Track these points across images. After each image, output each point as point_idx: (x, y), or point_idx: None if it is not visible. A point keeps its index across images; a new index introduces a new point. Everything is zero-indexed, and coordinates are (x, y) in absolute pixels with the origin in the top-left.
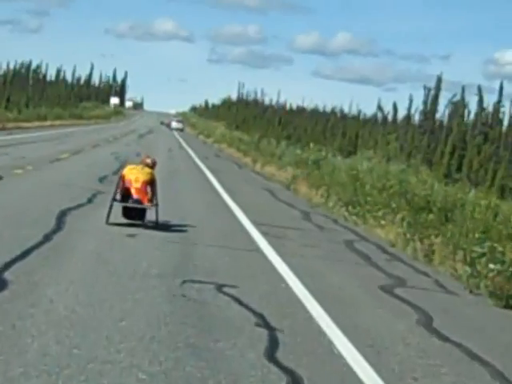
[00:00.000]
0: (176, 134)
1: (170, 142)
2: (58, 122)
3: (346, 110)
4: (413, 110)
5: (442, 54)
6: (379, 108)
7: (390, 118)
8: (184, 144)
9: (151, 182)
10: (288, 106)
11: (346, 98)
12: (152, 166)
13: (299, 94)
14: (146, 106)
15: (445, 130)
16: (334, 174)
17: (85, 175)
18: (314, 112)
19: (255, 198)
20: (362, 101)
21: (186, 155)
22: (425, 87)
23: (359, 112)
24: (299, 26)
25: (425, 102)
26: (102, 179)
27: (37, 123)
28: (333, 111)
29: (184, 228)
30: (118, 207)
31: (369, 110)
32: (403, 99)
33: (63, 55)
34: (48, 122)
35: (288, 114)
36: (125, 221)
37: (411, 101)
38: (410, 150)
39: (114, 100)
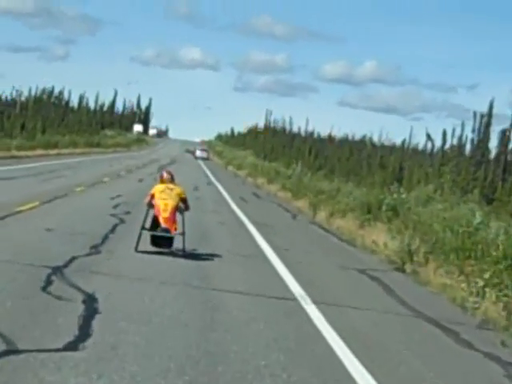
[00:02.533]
0: (202, 164)
1: (196, 176)
2: (67, 151)
3: (376, 139)
4: (453, 140)
5: (468, 83)
6: (428, 137)
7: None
8: (212, 178)
9: (183, 201)
10: (316, 135)
11: (371, 127)
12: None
13: (325, 123)
14: (170, 134)
15: (503, 162)
16: (429, 230)
17: (30, 257)
18: (344, 141)
19: (355, 297)
20: (388, 130)
21: (217, 196)
22: (475, 114)
23: (405, 142)
24: (326, 54)
25: (473, 130)
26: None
27: (40, 151)
28: (362, 140)
29: None
30: None
31: (397, 140)
32: (430, 129)
33: (88, 83)
34: (55, 151)
35: (318, 143)
36: (153, 249)
37: (463, 128)
38: (465, 183)
39: (138, 127)
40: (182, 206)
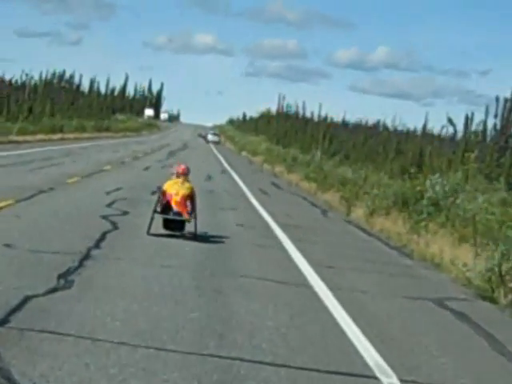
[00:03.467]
0: (214, 149)
1: (209, 162)
2: (72, 136)
3: (389, 125)
4: (471, 127)
5: (481, 69)
6: (450, 122)
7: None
8: (226, 165)
9: (191, 197)
10: (329, 120)
11: (384, 113)
12: (187, 173)
13: (338, 108)
14: (182, 119)
15: None
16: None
17: None
18: (357, 126)
19: (455, 360)
20: (401, 115)
21: (233, 187)
22: (497, 99)
23: (424, 127)
24: (338, 40)
25: (496, 116)
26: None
27: (41, 136)
28: (376, 125)
29: None
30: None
31: (410, 125)
32: (442, 114)
33: (99, 68)
34: (58, 136)
35: (331, 128)
36: (165, 232)
37: (487, 114)
38: (489, 170)
39: (149, 112)
40: (189, 203)
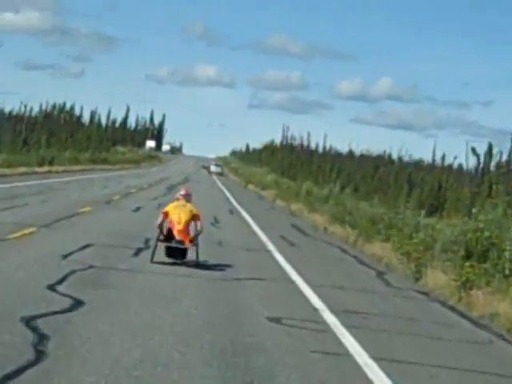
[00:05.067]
0: (219, 182)
1: (214, 199)
2: (62, 169)
3: (395, 156)
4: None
5: (483, 100)
6: (474, 152)
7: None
8: (234, 202)
9: (194, 218)
10: (333, 151)
11: (386, 144)
12: (189, 194)
13: (340, 140)
14: (184, 151)
15: None
16: None
17: None
18: (363, 157)
19: None
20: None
21: (248, 235)
22: None
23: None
24: (341, 72)
25: None
26: None
27: (23, 169)
28: (381, 156)
29: None
30: None
31: (416, 156)
32: (443, 145)
33: (101, 100)
34: (45, 168)
35: (337, 160)
36: (168, 260)
37: None
38: None
39: (150, 143)
40: (198, 228)
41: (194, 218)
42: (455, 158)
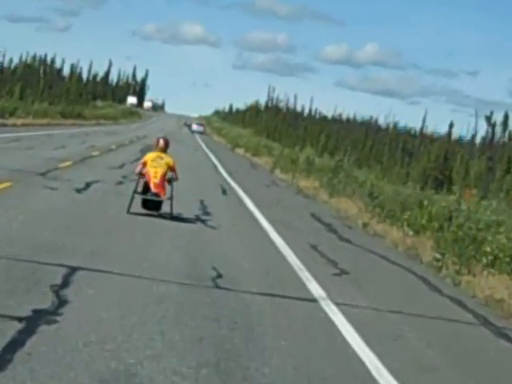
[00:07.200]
0: (203, 145)
1: (199, 167)
2: (20, 122)
3: (382, 122)
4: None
5: (469, 69)
6: (488, 122)
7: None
8: (225, 174)
9: (170, 169)
10: (319, 115)
11: (371, 109)
12: (167, 146)
13: (325, 104)
14: (167, 109)
15: None
16: None
17: None
18: (350, 122)
19: None
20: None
21: (254, 239)
22: None
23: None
24: (328, 36)
25: None
26: None
27: None
28: (366, 121)
29: None
30: None
31: (402, 123)
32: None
33: (86, 56)
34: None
35: (324, 124)
36: (143, 211)
37: None
38: None
39: (132, 99)
40: (173, 175)
41: (170, 169)
42: (451, 125)
